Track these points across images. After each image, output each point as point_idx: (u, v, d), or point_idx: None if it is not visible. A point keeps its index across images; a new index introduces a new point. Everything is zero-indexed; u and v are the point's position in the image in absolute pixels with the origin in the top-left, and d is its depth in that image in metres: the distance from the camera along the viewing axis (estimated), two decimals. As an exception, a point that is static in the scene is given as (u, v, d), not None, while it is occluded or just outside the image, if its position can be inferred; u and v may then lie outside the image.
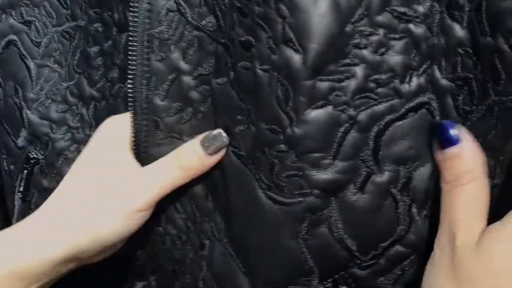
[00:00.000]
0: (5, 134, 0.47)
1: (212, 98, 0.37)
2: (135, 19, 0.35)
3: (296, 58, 0.31)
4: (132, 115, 0.37)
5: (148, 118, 0.37)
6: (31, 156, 0.45)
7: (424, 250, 0.34)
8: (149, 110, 0.37)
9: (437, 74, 0.32)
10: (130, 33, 0.36)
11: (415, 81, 0.32)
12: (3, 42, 0.45)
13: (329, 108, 0.32)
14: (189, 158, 0.37)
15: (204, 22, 0.36)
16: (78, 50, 0.43)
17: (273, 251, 0.35)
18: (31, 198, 0.46)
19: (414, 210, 0.33)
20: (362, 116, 0.32)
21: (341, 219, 0.34)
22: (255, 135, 0.34)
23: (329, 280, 0.35)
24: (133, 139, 0.38)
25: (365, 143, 0.33)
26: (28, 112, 0.44)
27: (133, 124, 0.37)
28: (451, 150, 0.30)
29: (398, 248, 0.34)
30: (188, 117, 0.38)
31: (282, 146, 0.33)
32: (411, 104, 0.32)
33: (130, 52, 0.36)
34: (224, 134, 0.36)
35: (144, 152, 0.38)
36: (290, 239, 0.34)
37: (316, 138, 0.32)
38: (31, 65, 0.44)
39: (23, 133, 0.45)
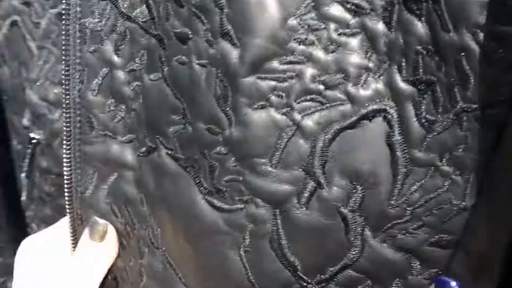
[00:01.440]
0: (12, 114, 0.48)
1: (144, 95, 0.34)
2: (68, 7, 0.34)
3: (234, 53, 0.29)
4: (66, 110, 0.36)
5: (81, 114, 0.36)
6: (31, 137, 0.45)
7: (384, 277, 0.30)
8: (82, 105, 0.35)
9: (397, 76, 0.27)
10: (62, 22, 0.34)
11: (370, 85, 0.28)
12: (8, 22, 0.45)
13: (271, 110, 0.29)
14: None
15: (135, 12, 0.33)
16: None
17: (212, 262, 0.33)
18: (33, 178, 0.47)
19: (367, 233, 0.29)
20: (307, 121, 0.29)
21: (284, 235, 0.30)
22: (192, 136, 0.32)
23: None
24: (67, 136, 0.37)
25: (310, 152, 0.29)
26: (30, 92, 0.44)
27: (66, 119, 0.36)
28: None
29: (350, 272, 0.30)
30: (122, 115, 0.35)
31: (222, 148, 0.30)
32: (364, 111, 0.28)
33: (63, 42, 0.35)
34: (101, 221, 0.37)
35: (79, 150, 0.37)
36: (231, 250, 0.31)
37: (256, 142, 0.29)
38: (32, 46, 0.44)
39: (27, 113, 0.46)
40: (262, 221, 0.30)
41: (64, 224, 0.39)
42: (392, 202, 0.28)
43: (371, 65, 0.28)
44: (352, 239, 0.29)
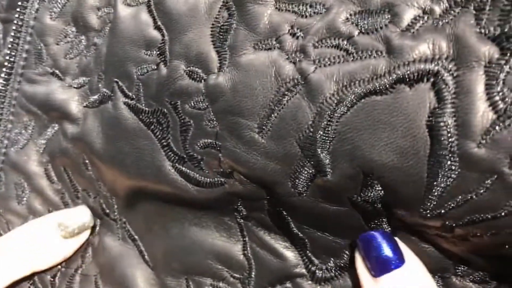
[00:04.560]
0: None
1: (114, 24, 0.27)
2: None
3: None
4: (15, 33, 0.30)
5: (32, 41, 0.30)
6: None
7: None
8: (36, 30, 0.30)
9: (470, 28, 0.18)
10: None
11: (426, 34, 0.19)
12: None
13: (277, 53, 0.21)
14: (42, 247, 0.28)
15: None
16: None
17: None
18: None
19: (393, 222, 0.22)
20: (320, 75, 0.20)
21: (287, 214, 0.24)
22: (165, 80, 0.24)
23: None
24: (8, 68, 0.31)
25: (314, 122, 0.20)
26: None
27: (13, 46, 0.30)
28: (394, 277, 0.21)
29: None
30: (78, 50, 0.29)
31: (200, 99, 0.23)
32: (405, 70, 0.19)
33: None
34: (87, 212, 0.29)
35: (17, 89, 0.31)
36: (225, 216, 0.25)
37: (245, 95, 0.22)
38: None
39: None
40: (252, 198, 0.24)
41: None
42: (424, 212, 0.20)
43: (436, 8, 0.19)
44: (374, 226, 0.22)
